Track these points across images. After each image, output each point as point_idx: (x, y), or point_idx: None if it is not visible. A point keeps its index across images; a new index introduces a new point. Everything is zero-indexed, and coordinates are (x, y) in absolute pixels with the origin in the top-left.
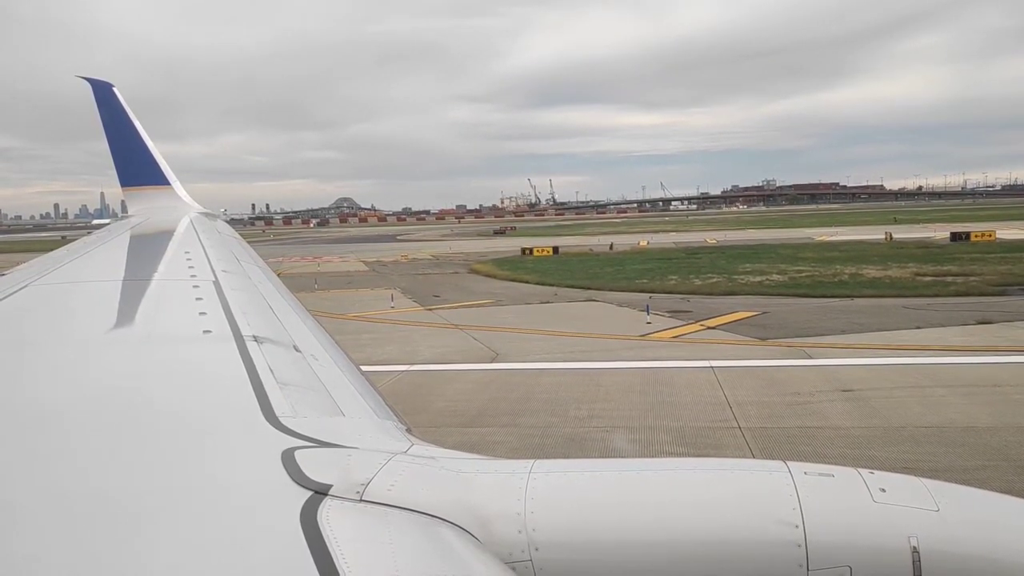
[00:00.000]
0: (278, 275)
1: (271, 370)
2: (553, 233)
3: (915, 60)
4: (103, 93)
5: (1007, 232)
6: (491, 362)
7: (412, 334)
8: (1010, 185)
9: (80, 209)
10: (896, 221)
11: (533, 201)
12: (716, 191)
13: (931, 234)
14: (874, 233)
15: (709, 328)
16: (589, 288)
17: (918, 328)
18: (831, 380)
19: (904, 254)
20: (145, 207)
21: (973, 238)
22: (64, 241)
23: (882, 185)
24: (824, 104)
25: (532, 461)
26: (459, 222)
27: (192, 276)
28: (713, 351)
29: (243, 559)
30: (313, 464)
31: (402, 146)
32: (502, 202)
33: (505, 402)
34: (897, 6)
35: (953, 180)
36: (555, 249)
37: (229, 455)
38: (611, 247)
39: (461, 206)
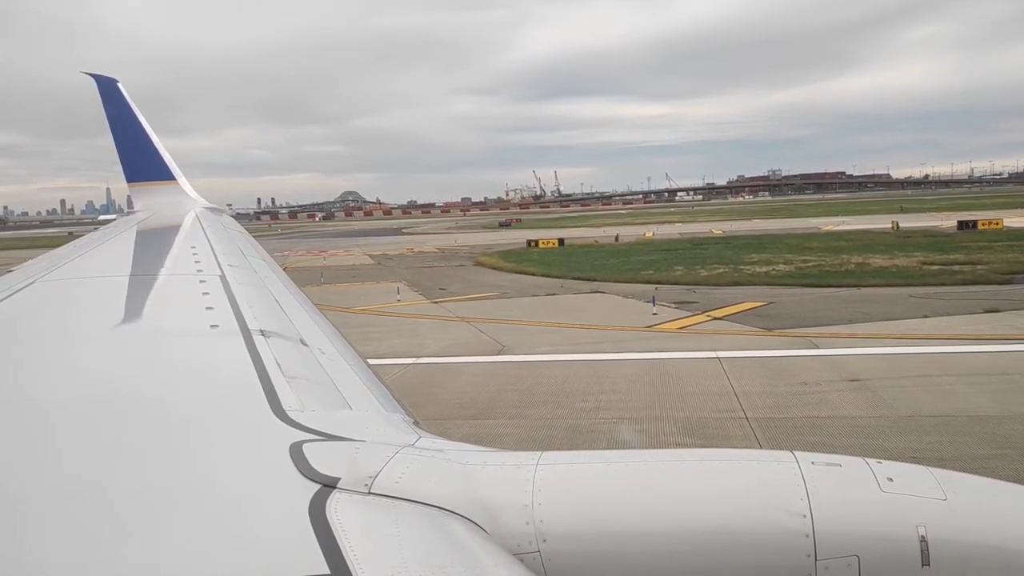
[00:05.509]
0: (284, 269)
1: (278, 364)
2: (558, 225)
3: (921, 48)
4: (108, 89)
5: (1014, 220)
6: (498, 354)
7: (418, 327)
8: (1017, 173)
9: (86, 205)
10: (903, 210)
11: (538, 193)
12: (721, 181)
13: (938, 223)
14: (881, 222)
15: (715, 319)
16: (595, 280)
17: (925, 317)
18: (838, 370)
19: (911, 243)
20: (151, 203)
21: (980, 226)
22: (71, 237)
23: (888, 174)
24: (829, 93)
25: (539, 453)
26: (464, 215)
27: (199, 271)
28: (719, 342)
29: (253, 552)
30: (321, 457)
31: (407, 139)
32: (507, 194)
33: (512, 394)
34: None
35: (960, 168)
36: (560, 241)
37: (237, 449)
38: (617, 239)
39: (466, 199)
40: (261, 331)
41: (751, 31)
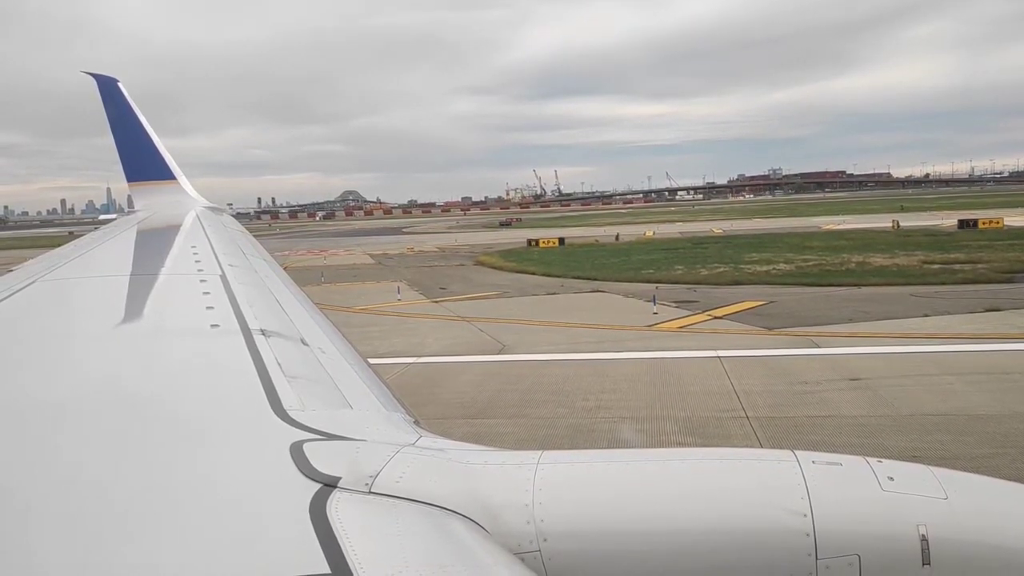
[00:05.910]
0: (284, 268)
1: (279, 363)
2: (559, 224)
3: (921, 47)
4: (108, 88)
5: (1015, 219)
6: (498, 354)
7: (419, 326)
8: (1018, 172)
9: (87, 205)
10: (903, 209)
11: (538, 192)
12: (722, 180)
13: (938, 222)
14: (881, 221)
15: (716, 318)
16: (595, 279)
17: (926, 316)
18: (838, 369)
19: (911, 242)
20: (151, 202)
21: (980, 225)
22: (71, 237)
23: (889, 173)
24: (829, 92)
25: (540, 452)
26: (464, 214)
27: (199, 270)
28: (720, 341)
29: (253, 552)
30: (322, 457)
31: (407, 139)
32: (507, 194)
33: (512, 393)
34: None
35: (960, 167)
36: (561, 240)
37: (238, 448)
38: (617, 238)
39: (467, 198)
40: (262, 331)
41: (751, 30)
